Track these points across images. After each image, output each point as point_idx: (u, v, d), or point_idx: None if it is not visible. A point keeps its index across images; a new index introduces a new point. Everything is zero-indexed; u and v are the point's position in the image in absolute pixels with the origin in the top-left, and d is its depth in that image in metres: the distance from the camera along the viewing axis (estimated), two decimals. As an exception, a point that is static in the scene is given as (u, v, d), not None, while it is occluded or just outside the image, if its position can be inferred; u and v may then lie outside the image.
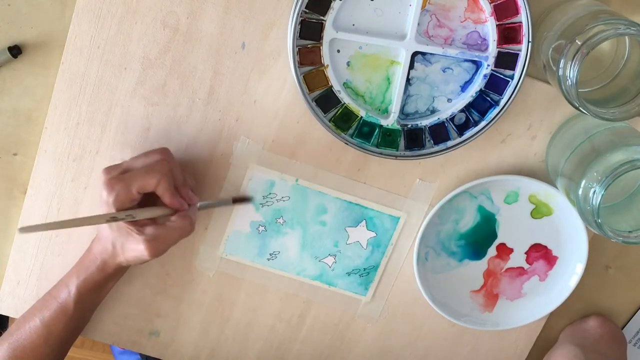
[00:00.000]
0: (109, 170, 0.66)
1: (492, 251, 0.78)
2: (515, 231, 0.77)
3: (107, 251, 0.69)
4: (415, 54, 0.69)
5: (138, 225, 0.67)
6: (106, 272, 0.71)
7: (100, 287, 0.72)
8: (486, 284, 0.80)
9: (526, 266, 0.79)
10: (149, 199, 0.68)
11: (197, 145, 0.74)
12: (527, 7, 0.66)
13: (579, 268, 0.77)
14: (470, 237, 0.78)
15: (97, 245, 0.70)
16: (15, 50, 0.70)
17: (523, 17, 0.67)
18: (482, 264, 0.79)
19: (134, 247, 0.66)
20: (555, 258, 0.78)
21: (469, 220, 0.77)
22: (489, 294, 0.80)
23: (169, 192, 0.66)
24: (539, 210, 0.76)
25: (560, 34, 0.64)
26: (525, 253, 0.78)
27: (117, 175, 0.65)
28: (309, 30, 0.68)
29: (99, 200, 0.66)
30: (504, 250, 0.78)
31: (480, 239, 0.78)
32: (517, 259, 0.79)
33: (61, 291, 0.71)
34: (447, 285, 0.79)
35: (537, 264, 0.79)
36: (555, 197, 0.75)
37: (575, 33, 0.60)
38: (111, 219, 0.65)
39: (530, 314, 0.80)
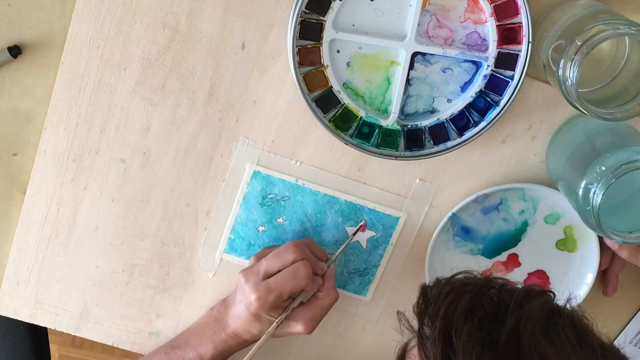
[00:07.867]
0: (247, 275, 0.70)
1: (502, 256, 0.78)
2: (534, 250, 0.77)
3: (257, 335, 0.72)
4: (415, 54, 0.69)
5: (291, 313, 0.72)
6: (245, 345, 0.74)
7: (231, 354, 0.76)
8: None
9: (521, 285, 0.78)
10: None
11: (197, 145, 0.74)
12: (527, 7, 0.66)
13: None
14: (496, 236, 0.77)
15: (240, 326, 0.72)
16: (15, 50, 0.70)
17: (523, 17, 0.67)
18: (487, 263, 0.78)
19: (292, 330, 0.72)
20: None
21: (507, 221, 0.76)
22: None
23: (313, 283, 0.71)
24: (566, 244, 0.76)
25: (560, 34, 0.64)
26: (528, 274, 0.78)
27: (262, 282, 0.69)
28: (309, 31, 0.68)
29: (244, 301, 0.70)
30: (513, 262, 0.78)
31: (503, 240, 0.77)
32: (518, 275, 0.78)
33: (190, 354, 0.74)
34: (448, 266, 0.77)
35: None
36: (587, 239, 0.75)
37: (575, 33, 0.60)
38: (279, 322, 0.71)
39: None
